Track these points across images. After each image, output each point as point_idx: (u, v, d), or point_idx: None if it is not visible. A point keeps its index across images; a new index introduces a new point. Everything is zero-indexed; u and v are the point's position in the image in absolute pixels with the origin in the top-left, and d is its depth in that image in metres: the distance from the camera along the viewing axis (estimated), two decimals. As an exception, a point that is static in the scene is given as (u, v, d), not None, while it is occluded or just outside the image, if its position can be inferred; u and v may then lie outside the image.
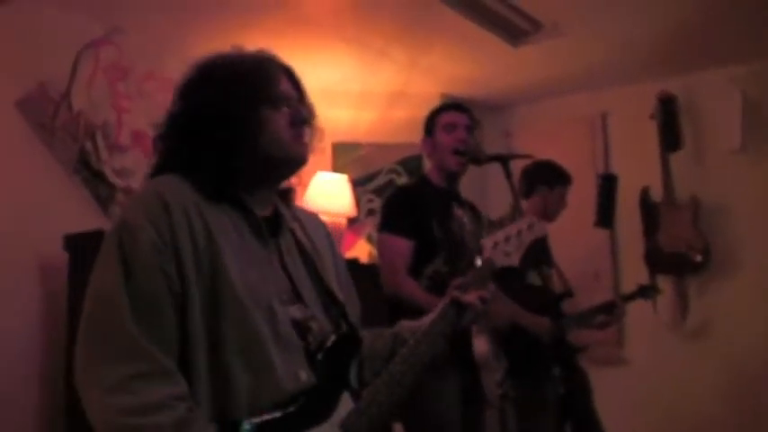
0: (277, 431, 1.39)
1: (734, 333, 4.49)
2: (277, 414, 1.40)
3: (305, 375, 1.45)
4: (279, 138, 1.53)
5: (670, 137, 4.68)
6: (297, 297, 1.53)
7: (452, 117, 3.05)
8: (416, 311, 2.64)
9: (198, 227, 1.42)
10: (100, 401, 1.31)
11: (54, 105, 3.51)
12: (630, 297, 3.97)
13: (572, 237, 4.24)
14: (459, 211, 2.98)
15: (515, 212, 3.13)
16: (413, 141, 3.53)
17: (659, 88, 4.70)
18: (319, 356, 1.49)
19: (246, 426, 1.36)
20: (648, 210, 4.73)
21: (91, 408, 1.32)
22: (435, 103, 4.77)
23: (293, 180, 1.65)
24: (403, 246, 2.88)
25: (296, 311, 1.50)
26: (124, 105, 3.81)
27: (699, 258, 4.55)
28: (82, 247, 3.16)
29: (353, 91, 4.52)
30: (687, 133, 4.71)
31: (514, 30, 4.07)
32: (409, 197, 3.06)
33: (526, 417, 3.27)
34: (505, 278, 2.95)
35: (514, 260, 1.83)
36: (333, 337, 1.53)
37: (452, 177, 3.06)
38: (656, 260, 4.66)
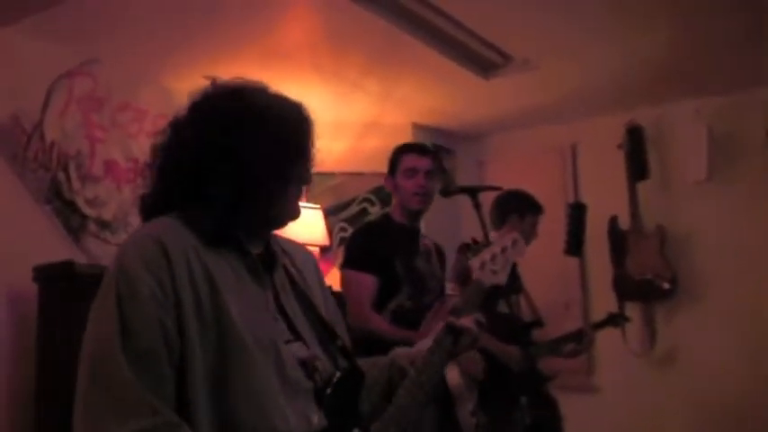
0: None
1: (701, 360, 4.57)
2: None
3: (316, 419, 1.42)
4: (290, 209, 1.52)
5: (637, 166, 4.78)
6: (296, 336, 1.49)
7: (414, 161, 3.10)
8: (381, 345, 2.71)
9: (198, 272, 1.37)
10: None
11: (26, 136, 3.51)
12: (600, 325, 4.03)
13: (543, 265, 4.30)
14: (416, 249, 3.04)
15: (485, 243, 3.19)
16: (385, 170, 3.58)
17: (627, 119, 4.82)
18: (327, 396, 1.46)
19: None
20: (616, 238, 4.82)
21: None
22: (407, 132, 4.88)
23: None
24: (368, 281, 2.95)
25: (299, 350, 1.47)
26: (98, 135, 3.83)
27: (666, 286, 4.64)
28: (52, 278, 3.15)
29: (327, 121, 4.47)
30: (654, 163, 4.81)
31: (485, 63, 4.15)
32: (373, 234, 3.12)
33: (497, 446, 3.29)
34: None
35: (502, 278, 1.82)
36: (338, 374, 1.50)
37: (414, 216, 3.12)
38: (625, 288, 4.74)
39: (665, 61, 4.13)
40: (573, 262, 4.91)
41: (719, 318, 4.54)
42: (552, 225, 4.20)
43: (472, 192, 2.86)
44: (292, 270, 1.58)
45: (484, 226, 2.78)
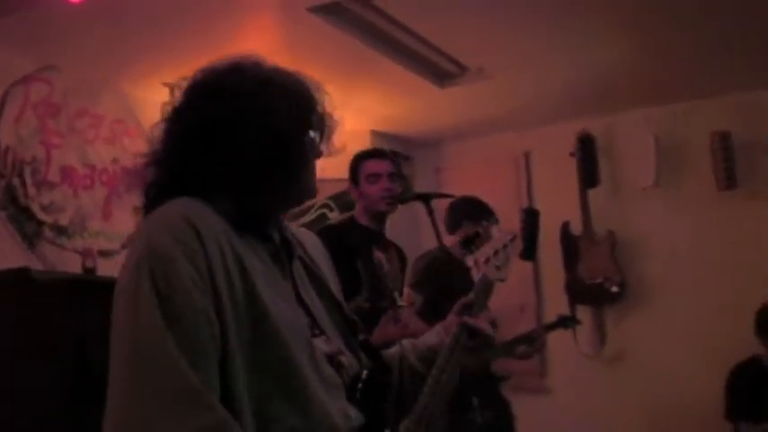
0: None
1: (649, 361, 4.72)
2: None
3: (353, 413, 1.33)
4: (309, 185, 1.41)
5: (588, 174, 4.92)
6: (319, 329, 1.38)
7: (375, 166, 3.13)
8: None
9: (230, 258, 1.22)
10: None
11: (-20, 142, 3.50)
12: (551, 327, 4.13)
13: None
14: (378, 254, 3.09)
15: (442, 248, 3.27)
16: (345, 177, 3.62)
17: (579, 128, 4.96)
18: (359, 393, 1.37)
19: None
20: (568, 243, 4.95)
21: None
22: (366, 139, 4.95)
23: None
24: None
25: (323, 345, 1.36)
26: (54, 141, 3.82)
27: (615, 289, 4.78)
28: (7, 286, 3.12)
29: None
30: (604, 170, 4.97)
31: (441, 72, 4.25)
32: (335, 236, 3.16)
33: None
34: (428, 311, 3.10)
35: (504, 274, 1.76)
36: (365, 371, 1.41)
37: (381, 218, 3.16)
38: (576, 291, 4.88)
39: (616, 72, 4.27)
40: (527, 266, 5.01)
41: (666, 320, 4.71)
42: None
43: (426, 198, 2.92)
44: (307, 260, 1.47)
45: (437, 232, 2.84)
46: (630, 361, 4.83)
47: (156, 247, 1.19)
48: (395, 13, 3.50)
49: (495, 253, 1.76)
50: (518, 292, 5.04)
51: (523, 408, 3.82)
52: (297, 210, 4.77)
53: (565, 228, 4.98)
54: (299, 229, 1.56)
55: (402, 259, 3.26)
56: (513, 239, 1.82)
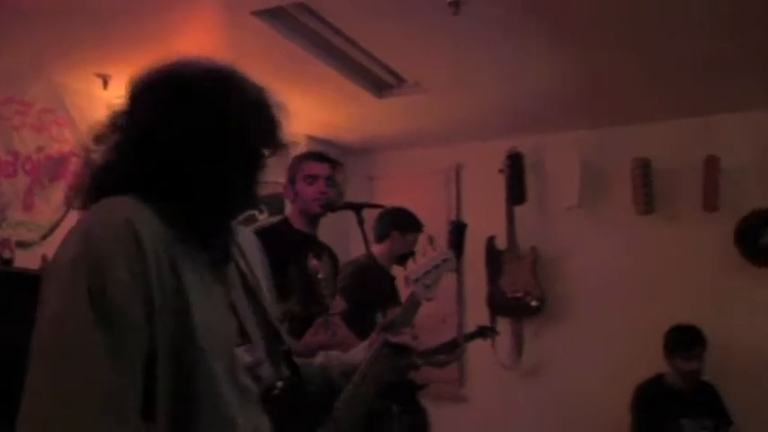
0: None
1: (563, 374, 4.91)
2: None
3: (264, 425, 1.34)
4: (252, 194, 1.40)
5: (516, 191, 5.07)
6: (244, 338, 1.37)
7: (314, 168, 3.15)
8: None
9: (165, 265, 1.22)
10: None
11: None
12: (471, 337, 4.25)
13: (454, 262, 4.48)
14: (312, 256, 3.13)
15: (369, 256, 3.33)
16: (276, 179, 3.64)
17: (509, 145, 5.10)
18: (270, 406, 1.37)
19: None
20: (493, 257, 5.09)
21: None
22: (301, 144, 4.99)
23: None
24: None
25: (245, 354, 1.35)
26: (-23, 129, 3.74)
27: (535, 304, 4.95)
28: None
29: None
30: (531, 188, 5.12)
31: (379, 82, 4.33)
32: (267, 238, 3.16)
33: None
34: (352, 317, 3.15)
35: (434, 293, 1.83)
36: (280, 384, 1.41)
37: (313, 220, 3.20)
38: (497, 304, 5.02)
39: (549, 94, 4.44)
40: (451, 277, 5.12)
41: (581, 336, 4.90)
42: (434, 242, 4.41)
43: (357, 208, 2.98)
44: (244, 267, 1.46)
45: (366, 241, 2.90)
46: (546, 373, 5.01)
47: (95, 246, 1.18)
48: (338, 22, 3.56)
49: (426, 273, 1.83)
50: (441, 302, 5.15)
51: (441, 415, 3.93)
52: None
53: (490, 242, 5.11)
54: (245, 232, 1.55)
55: (334, 263, 3.30)
56: (446, 260, 1.89)
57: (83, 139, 1.39)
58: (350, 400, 1.55)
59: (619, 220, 4.93)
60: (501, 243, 5.10)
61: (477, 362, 4.97)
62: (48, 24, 3.44)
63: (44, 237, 3.94)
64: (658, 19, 3.47)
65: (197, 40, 3.58)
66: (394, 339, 1.64)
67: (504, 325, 4.96)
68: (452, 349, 4.00)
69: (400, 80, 4.36)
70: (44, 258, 3.70)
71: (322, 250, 3.23)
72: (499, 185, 5.10)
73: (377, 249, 3.67)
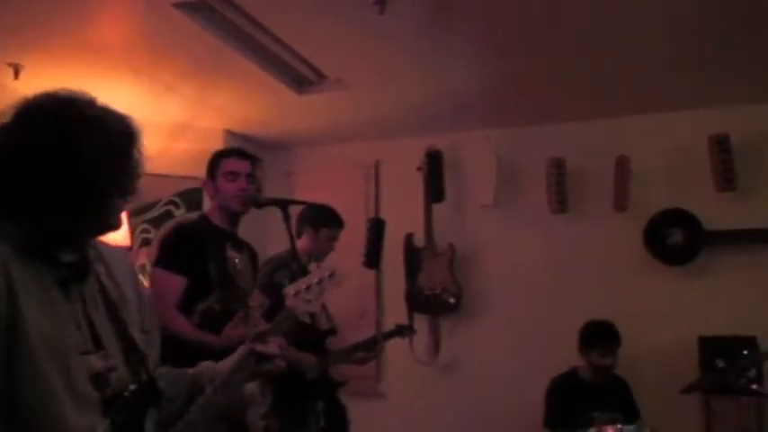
0: None
1: (480, 369, 5.00)
2: None
3: (101, 429, 1.43)
4: (110, 221, 1.52)
5: (434, 188, 5.12)
6: (99, 346, 1.49)
7: (235, 165, 3.14)
8: (185, 345, 2.75)
9: (2, 283, 1.36)
10: None
11: None
12: (389, 335, 4.29)
13: (341, 276, 4.48)
14: (232, 253, 3.10)
15: (293, 253, 3.31)
16: (194, 174, 3.57)
17: (428, 143, 5.15)
18: (113, 409, 1.47)
19: None
20: (411, 254, 5.13)
21: None
22: (219, 138, 4.91)
23: None
24: (175, 282, 2.96)
25: (97, 361, 1.47)
26: None
27: (452, 300, 5.02)
28: None
29: (136, 120, 4.45)
30: (449, 187, 5.18)
31: (300, 78, 4.30)
32: (188, 235, 3.13)
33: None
34: (272, 312, 3.13)
35: (315, 307, 1.89)
36: (130, 388, 1.51)
37: (234, 218, 3.17)
38: (415, 300, 5.06)
39: (467, 93, 4.49)
40: (370, 274, 5.17)
41: (497, 332, 4.99)
42: (353, 238, 4.42)
43: (283, 204, 2.98)
44: (106, 281, 1.58)
45: (292, 238, 2.89)
46: (462, 369, 5.08)
47: None
48: (260, 17, 3.51)
49: (308, 287, 1.88)
50: (359, 299, 5.17)
51: (359, 412, 3.94)
52: (142, 206, 4.71)
53: (408, 239, 5.15)
54: (109, 249, 1.65)
55: (254, 259, 3.28)
56: (330, 276, 1.93)
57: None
58: (204, 404, 1.62)
59: (533, 219, 5.04)
60: (419, 240, 5.14)
61: (395, 358, 5.00)
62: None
63: None
64: (573, 23, 3.57)
65: (114, 30, 3.48)
66: (259, 348, 1.71)
67: (421, 321, 5.01)
68: (372, 346, 4.04)
69: (321, 76, 4.34)
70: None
71: (242, 247, 3.21)
72: (418, 183, 5.14)
73: (299, 246, 3.65)
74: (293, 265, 2.97)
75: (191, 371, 1.72)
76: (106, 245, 1.66)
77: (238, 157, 3.17)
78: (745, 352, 4.18)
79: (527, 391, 4.32)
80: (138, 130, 1.55)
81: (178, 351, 1.94)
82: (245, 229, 3.31)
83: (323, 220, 3.87)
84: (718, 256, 4.68)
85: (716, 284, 4.64)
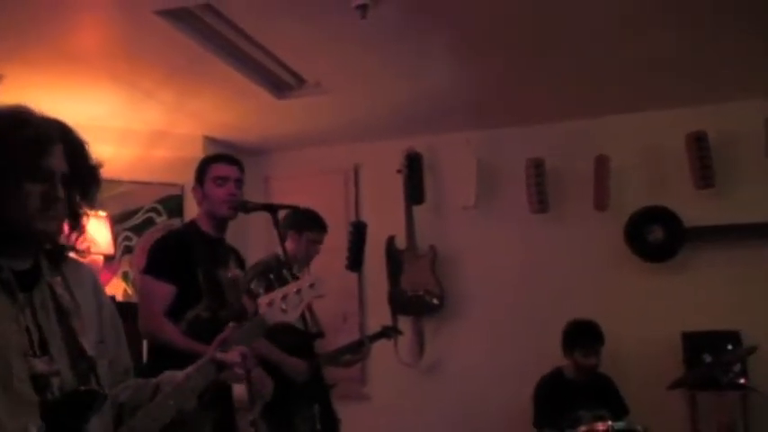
0: None
1: (464, 370, 5.01)
2: None
3: (35, 429, 1.46)
4: (26, 214, 1.53)
5: (414, 191, 5.13)
6: (45, 351, 1.53)
7: (223, 170, 3.14)
8: (175, 353, 2.74)
9: None
10: None
11: None
12: (375, 337, 4.31)
13: (325, 279, 4.47)
14: (235, 272, 3.10)
15: (285, 258, 3.31)
16: (174, 181, 3.56)
17: (407, 145, 5.15)
18: (49, 410, 1.49)
19: None
20: (393, 256, 5.14)
21: None
22: (198, 144, 4.89)
23: None
24: (164, 290, 2.94)
25: (40, 364, 1.51)
26: None
27: (435, 302, 5.03)
28: None
29: (116, 127, 4.46)
30: (429, 189, 5.20)
31: (279, 83, 4.29)
32: (176, 243, 3.12)
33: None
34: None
35: (292, 317, 1.84)
36: (68, 391, 1.54)
37: (222, 224, 3.16)
38: (398, 303, 5.07)
39: (446, 95, 4.52)
40: (352, 277, 5.17)
41: (481, 332, 5.01)
42: (335, 242, 4.41)
43: (272, 209, 2.96)
44: (60, 290, 1.62)
45: (282, 242, 2.89)
46: (446, 370, 5.10)
47: None
48: (243, 24, 3.51)
49: (284, 297, 1.83)
50: (342, 302, 5.17)
51: (344, 414, 3.92)
52: (124, 214, 4.67)
53: (390, 241, 5.15)
54: (74, 263, 1.69)
55: (241, 266, 3.27)
56: (311, 285, 1.89)
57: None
58: (151, 410, 1.63)
59: (514, 219, 5.06)
60: (400, 243, 5.15)
61: (379, 360, 4.99)
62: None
63: None
64: (551, 25, 3.60)
65: (94, 38, 3.46)
66: (219, 356, 1.70)
67: (404, 323, 5.01)
68: (358, 349, 4.05)
69: (300, 81, 4.33)
70: None
71: (229, 253, 3.20)
72: (398, 185, 5.14)
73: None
74: (283, 271, 2.96)
75: (154, 380, 1.72)
76: (72, 259, 1.70)
77: (227, 163, 3.17)
78: (730, 347, 4.22)
79: (510, 391, 4.35)
80: (70, 132, 1.60)
81: (169, 359, 1.92)
82: (229, 234, 3.30)
83: (306, 223, 3.87)
84: (699, 252, 4.74)
85: (697, 280, 4.69)
